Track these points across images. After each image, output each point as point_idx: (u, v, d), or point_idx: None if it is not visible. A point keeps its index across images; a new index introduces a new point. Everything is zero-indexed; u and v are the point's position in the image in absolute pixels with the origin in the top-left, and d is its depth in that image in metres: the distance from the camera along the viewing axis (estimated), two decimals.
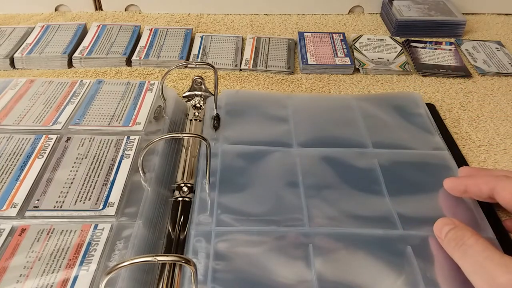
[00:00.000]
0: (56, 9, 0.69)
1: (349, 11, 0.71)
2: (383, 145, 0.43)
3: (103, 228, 0.34)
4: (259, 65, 0.57)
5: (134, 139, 0.42)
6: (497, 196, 0.34)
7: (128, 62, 0.58)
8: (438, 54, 0.60)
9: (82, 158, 0.40)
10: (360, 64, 0.57)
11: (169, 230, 0.36)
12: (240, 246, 0.34)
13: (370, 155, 0.42)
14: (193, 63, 0.55)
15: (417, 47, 0.62)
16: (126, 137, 0.42)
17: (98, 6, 0.70)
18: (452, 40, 0.64)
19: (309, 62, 0.57)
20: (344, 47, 0.60)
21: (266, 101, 0.49)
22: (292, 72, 0.57)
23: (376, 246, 0.34)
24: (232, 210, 0.36)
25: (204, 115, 0.47)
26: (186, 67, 0.57)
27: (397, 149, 0.43)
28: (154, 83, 0.49)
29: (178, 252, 0.34)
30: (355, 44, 0.61)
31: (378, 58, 0.59)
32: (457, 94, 0.53)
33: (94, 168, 0.39)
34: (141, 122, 0.44)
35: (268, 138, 0.44)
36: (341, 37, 0.63)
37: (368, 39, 0.62)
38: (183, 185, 0.39)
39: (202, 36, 0.62)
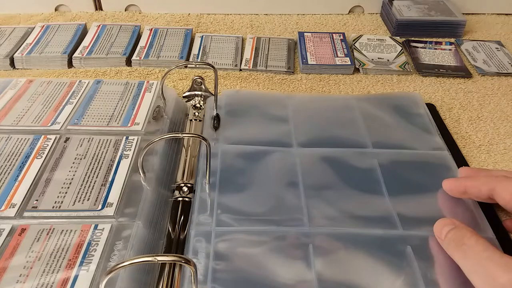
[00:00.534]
0: (56, 9, 0.69)
1: (349, 11, 0.71)
2: (383, 145, 0.43)
3: (103, 228, 0.34)
4: (259, 65, 0.57)
5: (133, 139, 0.42)
6: (497, 196, 0.34)
7: (128, 62, 0.58)
8: (438, 54, 0.60)
9: (80, 159, 0.40)
10: (360, 64, 0.57)
11: (169, 230, 0.35)
12: (240, 246, 0.34)
13: (370, 155, 0.42)
14: (193, 63, 0.55)
15: (417, 47, 0.62)
16: (125, 137, 0.42)
17: (98, 6, 0.70)
18: (452, 40, 0.64)
19: (309, 62, 0.57)
20: (344, 47, 0.60)
21: (266, 101, 0.49)
22: (292, 72, 0.57)
23: (376, 246, 0.34)
24: (232, 210, 0.36)
25: (204, 115, 0.47)
26: (186, 67, 0.57)
27: (397, 149, 0.43)
28: (153, 83, 0.49)
29: (178, 252, 0.34)
30: (355, 44, 0.61)
31: (378, 58, 0.59)
32: (457, 94, 0.53)
33: (92, 168, 0.39)
34: (139, 122, 0.44)
35: (268, 138, 0.44)
36: (341, 37, 0.63)
37: (368, 39, 0.62)
38: (183, 185, 0.39)
39: (202, 36, 0.62)
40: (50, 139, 0.41)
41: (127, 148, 0.41)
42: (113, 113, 0.45)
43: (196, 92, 0.50)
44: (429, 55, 0.60)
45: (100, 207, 0.35)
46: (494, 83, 0.55)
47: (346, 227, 0.35)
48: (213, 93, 0.47)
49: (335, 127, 0.46)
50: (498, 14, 0.71)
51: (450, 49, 0.61)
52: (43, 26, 0.62)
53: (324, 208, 0.37)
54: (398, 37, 0.63)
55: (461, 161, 0.43)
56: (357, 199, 0.38)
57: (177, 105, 0.48)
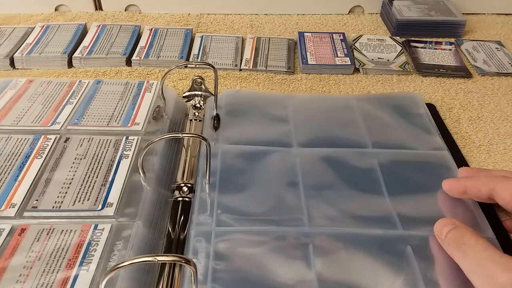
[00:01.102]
0: (56, 9, 0.69)
1: (349, 11, 0.71)
2: (383, 145, 0.43)
3: (103, 228, 0.34)
4: (259, 65, 0.57)
5: (133, 139, 0.42)
6: (497, 196, 0.34)
7: (128, 62, 0.58)
8: (438, 54, 0.60)
9: (80, 159, 0.40)
10: (360, 64, 0.57)
11: (169, 230, 0.35)
12: (240, 246, 0.34)
13: (370, 155, 0.42)
14: (193, 63, 0.55)
15: (417, 47, 0.62)
16: (125, 137, 0.42)
17: (98, 6, 0.70)
18: (452, 40, 0.64)
19: (309, 62, 0.57)
20: (344, 47, 0.60)
21: (266, 101, 0.49)
22: (292, 72, 0.57)
23: (376, 246, 0.34)
24: (232, 210, 0.36)
25: (204, 115, 0.47)
26: (186, 67, 0.57)
27: (397, 149, 0.43)
28: (153, 83, 0.49)
29: (178, 252, 0.34)
30: (355, 44, 0.61)
31: (378, 58, 0.59)
32: (457, 94, 0.53)
33: (92, 168, 0.39)
34: (140, 122, 0.44)
35: (268, 138, 0.44)
36: (341, 37, 0.63)
37: (368, 39, 0.62)
38: (183, 185, 0.39)
39: (202, 36, 0.62)
40: (50, 139, 0.41)
41: (127, 148, 0.41)
42: (113, 113, 0.45)
43: (196, 92, 0.50)
44: (429, 55, 0.60)
45: (100, 207, 0.35)
46: (494, 83, 0.55)
47: (346, 227, 0.35)
48: (213, 93, 0.47)
49: (335, 127, 0.46)
50: (498, 14, 0.71)
51: (450, 49, 0.61)
52: (43, 26, 0.62)
53: (324, 208, 0.37)
54: (398, 37, 0.63)
55: (461, 161, 0.43)
56: (357, 199, 0.38)
57: (177, 105, 0.48)
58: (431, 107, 0.50)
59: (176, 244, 0.34)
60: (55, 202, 0.35)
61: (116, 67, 0.57)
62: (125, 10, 0.70)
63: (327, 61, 0.57)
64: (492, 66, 0.58)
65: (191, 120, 0.46)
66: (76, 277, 0.30)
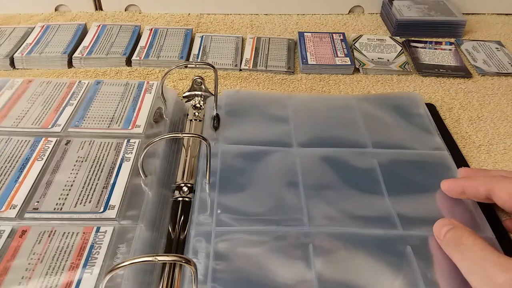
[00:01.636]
0: (56, 9, 0.69)
1: (349, 11, 0.71)
2: (383, 145, 0.43)
3: (106, 230, 0.34)
4: (259, 65, 0.57)
5: (134, 142, 0.41)
6: (495, 197, 0.34)
7: (128, 62, 0.58)
8: (438, 54, 0.60)
9: (82, 161, 0.40)
10: (360, 64, 0.57)
11: (169, 230, 0.36)
12: (240, 246, 0.34)
13: (370, 155, 0.42)
14: (193, 63, 0.55)
15: (417, 47, 0.62)
16: (126, 140, 0.42)
17: (98, 6, 0.70)
18: (452, 40, 0.64)
19: (309, 62, 0.57)
20: (344, 47, 0.60)
21: (266, 101, 0.49)
22: (292, 72, 0.57)
23: (376, 246, 0.34)
24: (232, 210, 0.37)
25: (204, 115, 0.47)
26: (186, 67, 0.57)
27: (397, 149, 0.43)
28: (153, 83, 0.49)
29: (178, 252, 0.34)
30: (355, 44, 0.61)
31: (378, 58, 0.59)
32: (457, 94, 0.53)
33: (94, 171, 0.39)
34: (140, 124, 0.43)
35: (268, 138, 0.44)
36: (341, 37, 0.63)
37: (368, 39, 0.62)
38: (183, 185, 0.39)
39: (202, 36, 0.62)
40: (51, 141, 0.41)
41: (129, 151, 0.41)
42: (113, 115, 0.45)
43: (196, 92, 0.50)
44: (429, 55, 0.60)
45: (102, 209, 0.35)
46: (494, 83, 0.55)
47: (346, 227, 0.36)
48: (213, 93, 0.47)
49: (335, 127, 0.46)
50: (498, 14, 0.71)
51: (450, 49, 0.61)
52: (43, 26, 0.62)
53: (324, 208, 0.37)
54: (398, 37, 0.63)
55: (461, 161, 0.43)
56: (357, 199, 0.38)
57: (177, 106, 0.48)
58: (431, 107, 0.50)
59: (176, 244, 0.34)
60: (57, 204, 0.36)
61: (116, 67, 0.57)
62: (125, 10, 0.70)
63: (327, 61, 0.57)
64: (492, 66, 0.58)
65: (191, 120, 0.46)
66: (79, 280, 0.30)
